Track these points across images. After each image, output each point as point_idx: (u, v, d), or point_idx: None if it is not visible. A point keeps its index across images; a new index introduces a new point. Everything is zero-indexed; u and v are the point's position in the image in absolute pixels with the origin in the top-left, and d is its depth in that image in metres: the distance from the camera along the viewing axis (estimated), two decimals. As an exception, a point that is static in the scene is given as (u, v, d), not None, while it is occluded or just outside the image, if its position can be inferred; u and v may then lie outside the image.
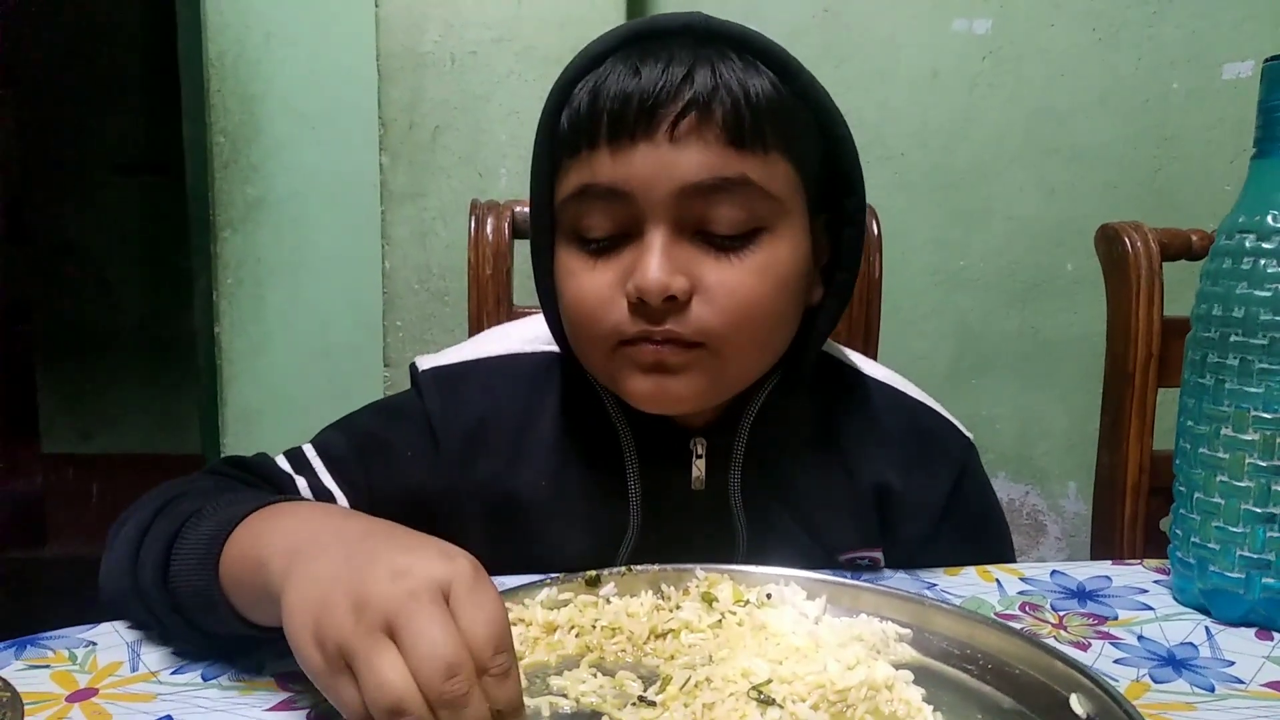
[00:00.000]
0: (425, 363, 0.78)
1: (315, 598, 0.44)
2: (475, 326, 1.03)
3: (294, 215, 1.64)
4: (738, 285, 0.64)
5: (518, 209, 1.05)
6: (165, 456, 3.20)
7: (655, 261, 0.62)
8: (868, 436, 0.78)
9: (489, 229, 1.05)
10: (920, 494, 0.78)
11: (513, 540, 0.74)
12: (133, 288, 3.28)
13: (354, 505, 0.71)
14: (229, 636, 0.55)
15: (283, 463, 0.72)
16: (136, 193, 3.24)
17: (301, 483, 0.71)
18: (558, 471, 0.75)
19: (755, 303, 0.65)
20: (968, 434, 0.82)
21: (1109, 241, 1.12)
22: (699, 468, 0.73)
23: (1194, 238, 1.11)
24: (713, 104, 0.62)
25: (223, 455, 1.72)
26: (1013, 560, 0.80)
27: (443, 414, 0.75)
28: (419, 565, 0.44)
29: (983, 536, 0.82)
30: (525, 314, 1.04)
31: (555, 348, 0.76)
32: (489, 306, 1.04)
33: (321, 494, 0.71)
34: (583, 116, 0.64)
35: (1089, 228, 1.16)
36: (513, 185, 1.44)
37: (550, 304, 0.72)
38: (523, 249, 1.08)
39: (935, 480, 0.78)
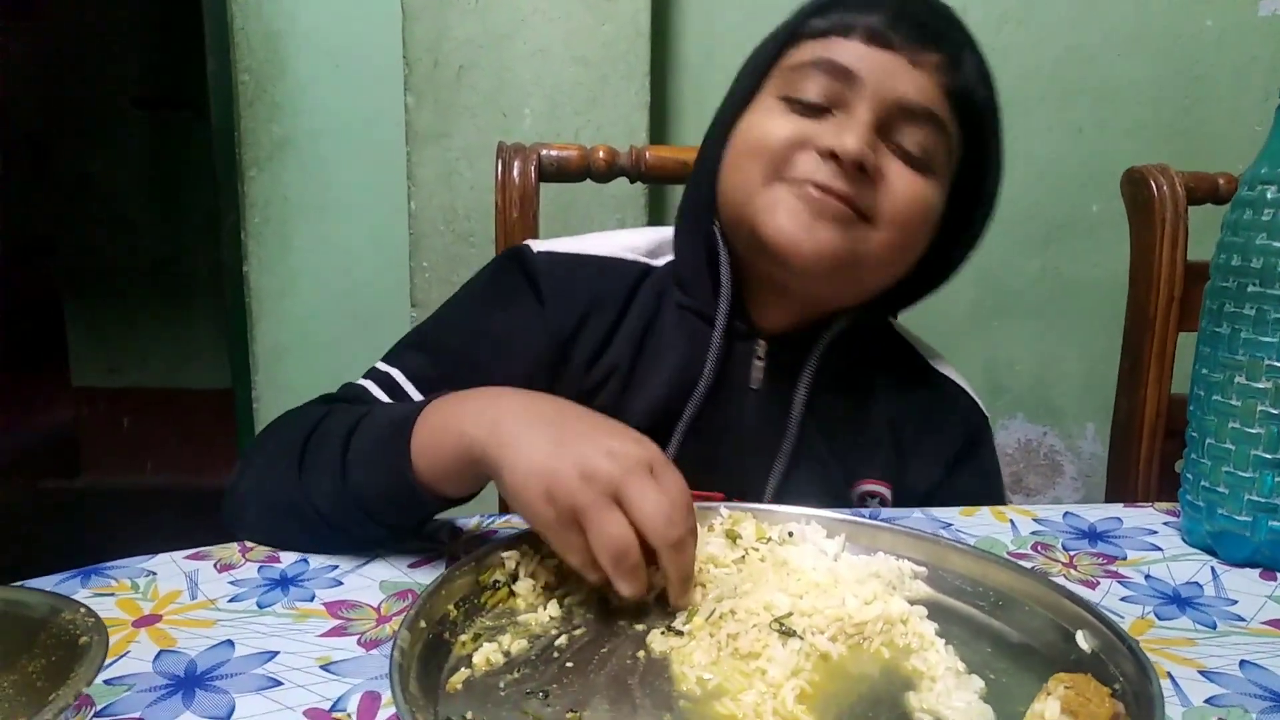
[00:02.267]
0: (538, 247, 0.83)
1: (543, 468, 0.54)
2: (503, 270, 1.04)
3: (320, 154, 1.65)
4: (914, 186, 0.73)
5: (544, 152, 1.06)
6: (193, 391, 3.26)
7: (860, 132, 0.70)
8: (895, 390, 0.84)
9: (515, 172, 1.06)
10: (930, 446, 0.84)
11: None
12: (153, 223, 3.29)
13: None
14: (397, 527, 0.64)
15: (379, 393, 0.77)
16: (155, 128, 3.23)
17: None
18: (632, 364, 0.81)
19: (922, 207, 0.74)
20: (985, 410, 0.89)
21: (1134, 184, 1.12)
22: (758, 369, 0.80)
23: (1221, 181, 1.11)
24: (953, 60, 0.73)
25: (253, 391, 1.77)
26: None
27: (556, 289, 0.80)
28: (627, 447, 0.55)
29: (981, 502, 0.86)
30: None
31: (653, 261, 0.84)
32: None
33: None
34: (847, 18, 0.73)
35: (1116, 169, 1.15)
36: (537, 126, 1.44)
37: (714, 151, 0.78)
38: (553, 191, 1.10)
39: (946, 437, 0.85)
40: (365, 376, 0.78)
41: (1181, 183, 1.09)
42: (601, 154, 1.06)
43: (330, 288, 1.68)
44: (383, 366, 0.79)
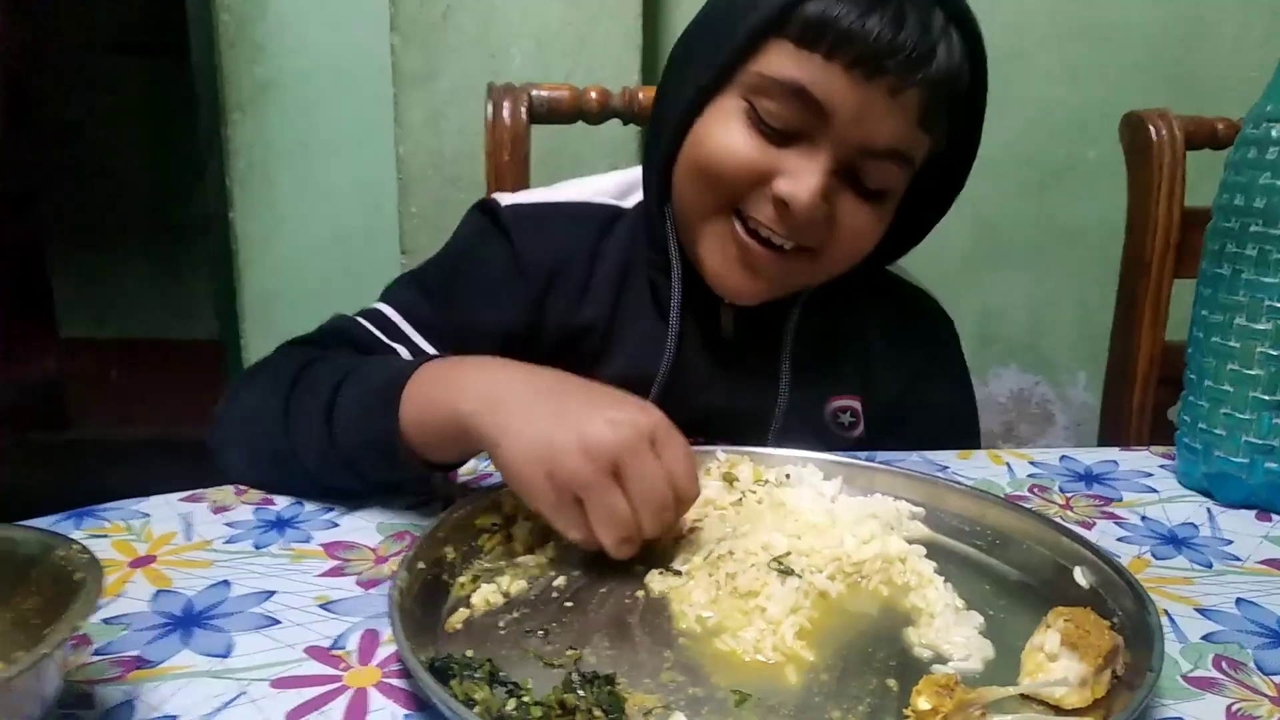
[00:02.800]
0: (507, 199, 0.82)
1: (543, 443, 0.53)
2: (494, 213, 1.03)
3: (304, 97, 1.61)
4: (863, 225, 0.71)
5: (535, 92, 1.04)
6: (181, 341, 3.23)
7: (815, 184, 0.67)
8: (863, 305, 0.84)
9: (505, 113, 1.03)
10: (896, 355, 0.84)
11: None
12: (139, 171, 3.24)
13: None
14: (380, 484, 0.63)
15: (373, 329, 0.76)
16: (137, 73, 3.17)
17: (402, 350, 0.75)
18: (613, 311, 0.80)
19: (865, 243, 0.73)
20: (949, 317, 0.89)
21: (1133, 129, 1.11)
22: (727, 317, 0.79)
23: (1220, 125, 1.09)
24: (933, 88, 0.66)
25: (241, 340, 1.75)
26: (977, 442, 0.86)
27: (527, 248, 0.79)
28: (630, 417, 0.54)
29: (953, 411, 0.88)
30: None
31: (622, 203, 0.83)
32: (507, 191, 1.03)
33: (418, 355, 0.75)
34: (836, 31, 0.64)
35: (1114, 113, 1.14)
36: (525, 67, 1.41)
37: (665, 137, 0.73)
38: (540, 133, 1.08)
39: (912, 344, 0.85)
40: (358, 314, 0.77)
41: (1180, 127, 1.08)
42: (594, 95, 1.04)
43: (318, 234, 1.65)
44: (376, 304, 0.78)
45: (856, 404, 0.82)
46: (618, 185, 0.85)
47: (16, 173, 3.38)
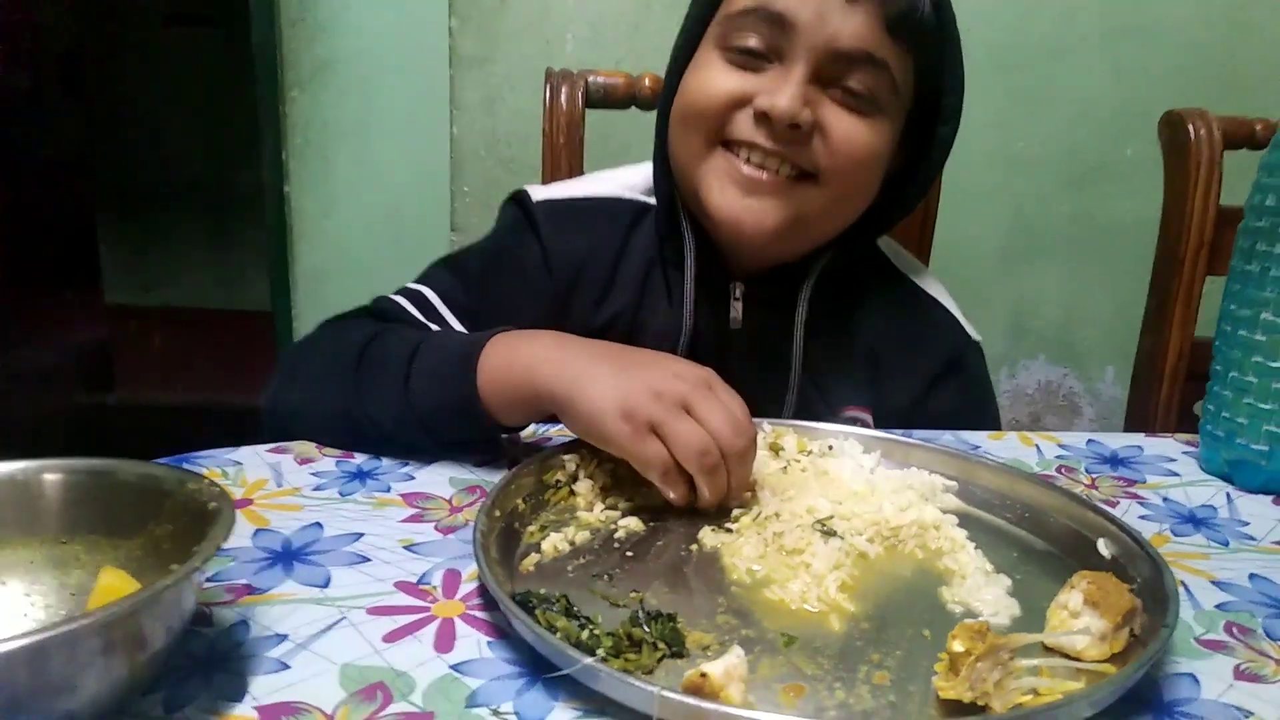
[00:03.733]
0: (539, 194, 0.85)
1: (616, 390, 0.59)
2: (549, 195, 1.07)
3: (362, 77, 1.66)
4: (854, 134, 0.72)
5: (591, 78, 1.08)
6: (226, 311, 3.32)
7: (792, 90, 0.70)
8: (877, 316, 0.86)
9: (563, 98, 1.08)
10: (909, 367, 0.85)
11: None
12: (188, 142, 3.31)
13: None
14: (451, 444, 0.68)
15: (412, 308, 0.80)
16: (187, 46, 3.23)
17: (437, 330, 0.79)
18: (636, 306, 0.84)
19: (865, 155, 0.74)
20: (976, 336, 0.89)
21: (1171, 128, 1.13)
22: (736, 309, 0.81)
23: (1258, 126, 1.12)
24: None
25: (293, 310, 1.81)
26: None
27: (556, 244, 0.83)
28: (689, 369, 0.61)
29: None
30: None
31: (650, 198, 0.85)
32: (563, 174, 1.08)
33: None
34: None
35: (1154, 112, 1.16)
36: (579, 51, 1.45)
37: (664, 102, 0.78)
38: (594, 118, 1.12)
39: (926, 358, 0.86)
40: (397, 293, 0.82)
41: (1218, 127, 1.10)
42: (647, 82, 1.08)
43: (371, 210, 1.71)
44: (415, 285, 0.83)
45: (867, 416, 0.84)
46: (645, 179, 0.86)
47: (68, 142, 3.47)
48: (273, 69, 1.70)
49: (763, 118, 0.71)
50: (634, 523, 0.60)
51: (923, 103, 0.77)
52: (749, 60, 0.72)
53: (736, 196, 0.74)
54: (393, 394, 0.67)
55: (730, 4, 0.74)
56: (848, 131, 0.72)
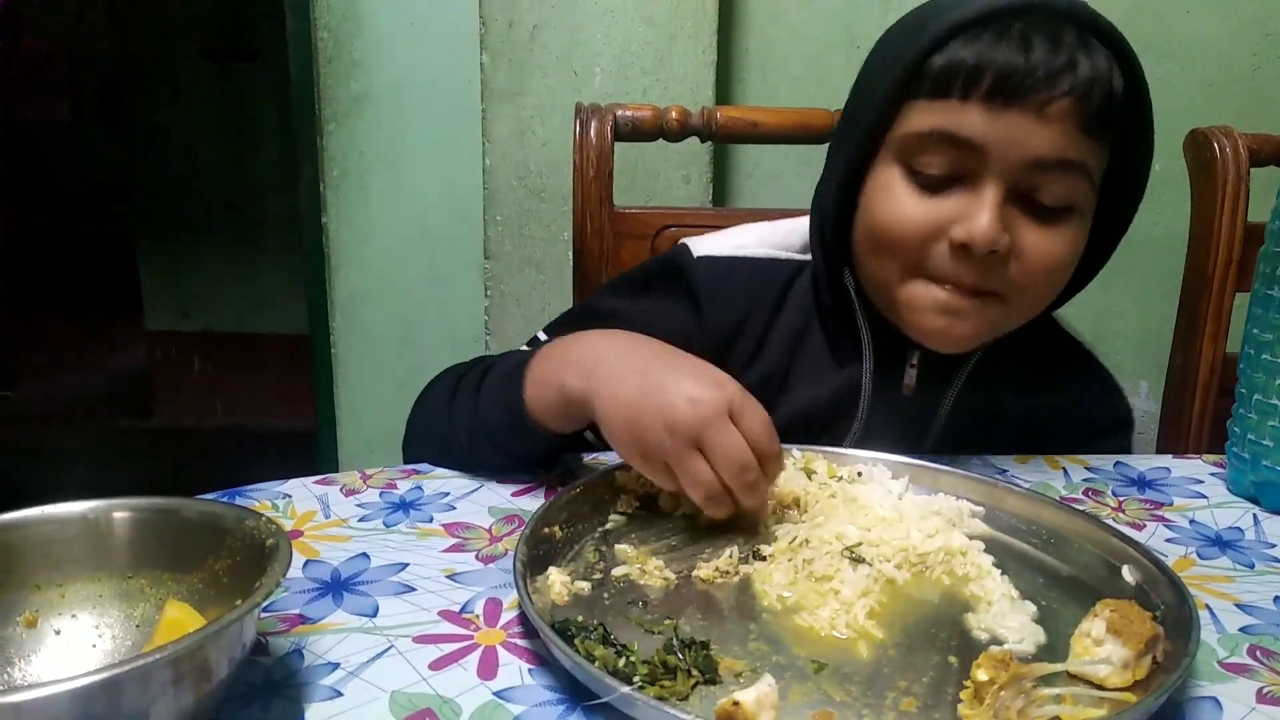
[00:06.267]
0: (700, 248, 0.85)
1: (629, 410, 0.62)
2: (579, 228, 1.10)
3: (396, 110, 1.70)
4: (1050, 252, 0.71)
5: (619, 112, 1.11)
6: (264, 336, 3.39)
7: (990, 216, 0.68)
8: (1040, 383, 0.85)
9: (593, 131, 1.11)
10: (1063, 438, 0.85)
11: None
12: (224, 171, 3.38)
13: None
14: (522, 458, 0.72)
15: None
16: (222, 79, 3.31)
17: None
18: (788, 366, 0.84)
19: (1059, 270, 0.73)
20: (1130, 407, 0.91)
21: (1197, 146, 1.14)
22: (911, 376, 0.81)
23: (1285, 144, 1.12)
24: (1084, 95, 0.67)
25: (331, 336, 1.85)
26: None
27: (712, 298, 0.83)
28: (709, 394, 0.60)
29: None
30: (624, 214, 1.11)
31: (804, 257, 0.86)
32: (592, 207, 1.10)
33: None
34: (964, 71, 0.68)
35: (1180, 127, 1.16)
36: (607, 85, 1.48)
37: (831, 209, 0.77)
38: (623, 151, 1.15)
39: (1082, 428, 0.86)
40: (526, 344, 0.84)
41: (1245, 145, 1.11)
42: (674, 114, 1.11)
43: (406, 238, 1.75)
44: (541, 335, 0.86)
45: None
46: (802, 239, 0.86)
47: (109, 171, 3.57)
48: (310, 103, 1.75)
49: (961, 249, 0.70)
50: (665, 553, 0.62)
51: (1108, 175, 0.75)
52: (937, 182, 0.71)
53: (935, 318, 0.74)
54: (470, 413, 0.73)
55: (909, 121, 0.71)
56: (1044, 250, 0.71)
